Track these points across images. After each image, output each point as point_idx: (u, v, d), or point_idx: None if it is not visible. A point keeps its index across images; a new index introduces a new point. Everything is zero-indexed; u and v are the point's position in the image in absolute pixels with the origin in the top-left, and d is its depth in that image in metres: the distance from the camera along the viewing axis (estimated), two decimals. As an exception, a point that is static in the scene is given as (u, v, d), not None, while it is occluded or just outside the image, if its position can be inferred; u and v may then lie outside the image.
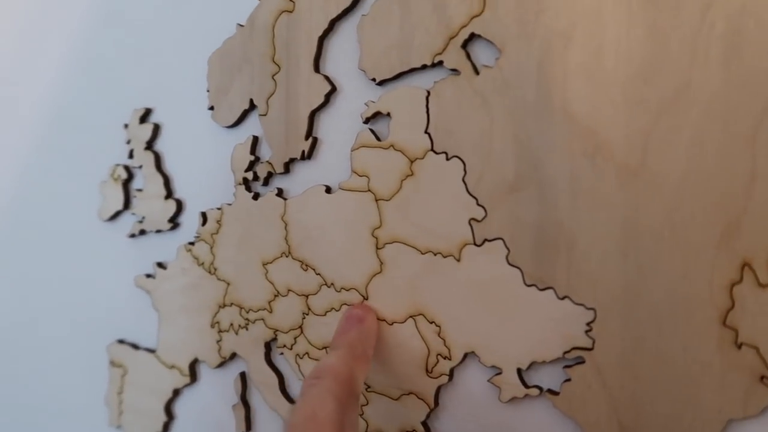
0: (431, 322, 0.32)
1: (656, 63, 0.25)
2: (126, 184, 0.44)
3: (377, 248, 0.33)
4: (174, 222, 0.42)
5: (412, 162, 0.32)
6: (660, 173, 0.25)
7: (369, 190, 0.33)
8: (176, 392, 0.42)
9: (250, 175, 0.38)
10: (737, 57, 0.24)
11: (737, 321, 0.24)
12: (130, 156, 0.44)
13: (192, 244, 0.41)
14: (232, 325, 0.39)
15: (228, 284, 0.39)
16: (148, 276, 0.43)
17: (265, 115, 0.37)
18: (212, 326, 0.40)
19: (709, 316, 0.25)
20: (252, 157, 0.38)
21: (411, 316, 0.32)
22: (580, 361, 0.28)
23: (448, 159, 0.31)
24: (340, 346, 0.31)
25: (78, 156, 0.47)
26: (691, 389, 0.25)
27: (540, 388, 0.29)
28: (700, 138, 0.25)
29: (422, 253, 0.32)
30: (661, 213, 0.26)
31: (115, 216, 0.45)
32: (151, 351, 0.44)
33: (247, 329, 0.38)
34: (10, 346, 0.52)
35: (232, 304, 0.39)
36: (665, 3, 0.25)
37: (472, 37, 0.30)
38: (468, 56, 0.30)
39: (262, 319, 0.38)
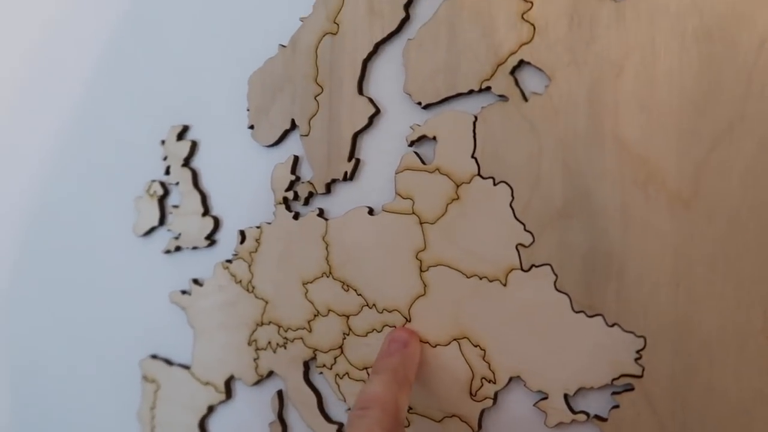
0: (476, 346, 0.32)
1: (710, 94, 0.26)
2: (162, 200, 0.45)
3: (421, 270, 0.33)
4: (211, 239, 0.42)
5: (458, 186, 0.32)
6: (713, 204, 0.26)
7: (413, 213, 0.33)
8: (211, 409, 0.42)
9: (290, 195, 0.38)
10: (794, 91, 0.24)
11: (792, 352, 0.24)
12: (167, 172, 0.44)
13: (229, 261, 0.41)
14: (270, 343, 0.39)
15: (266, 302, 0.39)
16: (184, 292, 0.44)
17: (306, 135, 0.37)
18: (249, 344, 0.40)
19: (762, 347, 0.25)
20: (293, 177, 0.38)
21: (455, 339, 0.32)
22: (629, 388, 0.28)
23: (495, 184, 0.31)
24: (383, 370, 0.31)
25: (114, 171, 0.48)
26: (744, 419, 0.25)
27: (587, 414, 0.29)
28: (754, 170, 0.25)
29: (467, 277, 0.32)
30: (714, 243, 0.26)
31: (150, 231, 0.46)
32: (185, 367, 0.44)
33: (285, 348, 0.39)
34: (44, 359, 0.53)
35: (270, 322, 0.39)
36: (720, 36, 0.25)
37: (521, 63, 0.30)
38: (516, 82, 0.30)
39: (301, 338, 0.38)
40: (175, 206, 0.44)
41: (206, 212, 0.42)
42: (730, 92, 0.25)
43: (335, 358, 0.37)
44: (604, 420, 0.28)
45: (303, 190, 0.38)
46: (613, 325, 0.28)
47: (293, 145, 0.39)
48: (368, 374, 0.35)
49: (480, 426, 0.32)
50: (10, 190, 0.54)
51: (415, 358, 0.32)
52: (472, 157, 0.31)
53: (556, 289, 0.29)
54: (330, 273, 0.36)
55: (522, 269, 0.30)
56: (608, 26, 0.28)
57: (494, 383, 0.31)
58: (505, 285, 0.31)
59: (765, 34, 0.24)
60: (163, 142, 0.44)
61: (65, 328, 0.51)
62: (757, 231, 0.25)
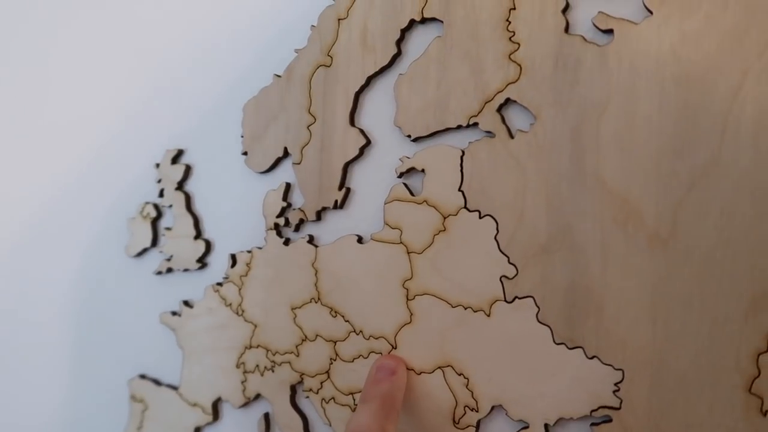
0: (459, 374, 0.33)
1: (687, 138, 0.27)
2: (155, 222, 0.45)
3: (407, 299, 0.34)
4: (202, 262, 0.43)
5: (445, 218, 0.33)
6: (690, 243, 0.27)
7: (401, 243, 0.34)
8: (197, 430, 0.43)
9: (281, 221, 0.39)
10: (766, 137, 0.25)
11: (763, 389, 0.25)
12: (161, 195, 0.45)
13: (220, 284, 0.42)
14: (257, 366, 0.40)
15: (255, 326, 0.40)
16: (174, 314, 0.44)
17: (299, 163, 0.38)
18: (237, 366, 0.41)
19: (735, 384, 0.26)
20: (284, 204, 0.39)
21: (439, 367, 0.33)
22: (607, 420, 0.29)
23: (481, 217, 0.32)
24: (371, 398, 0.31)
25: (108, 192, 0.48)
26: (718, 453, 0.26)
27: (567, 445, 0.30)
28: (729, 211, 0.26)
29: (453, 307, 0.33)
30: (691, 282, 0.27)
31: (143, 253, 0.46)
32: (173, 388, 0.44)
33: (273, 371, 0.39)
34: (33, 377, 0.53)
35: (258, 345, 0.40)
36: (697, 83, 0.27)
37: (508, 101, 0.31)
38: (503, 120, 0.31)
39: (289, 362, 0.38)
40: (168, 228, 0.44)
41: (198, 235, 0.43)
42: (707, 136, 0.26)
43: (322, 383, 0.37)
44: (583, 451, 0.29)
45: (294, 217, 0.38)
46: (592, 358, 0.29)
47: (285, 173, 0.39)
48: (354, 399, 0.36)
49: (463, 454, 0.33)
50: (3, 210, 0.55)
51: (402, 386, 0.33)
52: (459, 190, 0.32)
53: (539, 321, 0.30)
54: (318, 299, 0.37)
55: (506, 300, 0.31)
56: (591, 69, 0.29)
57: (477, 411, 0.32)
58: (488, 315, 0.32)
59: (739, 83, 0.26)
60: (157, 165, 0.45)
61: (55, 345, 0.51)
62: (731, 270, 0.26)
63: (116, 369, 0.47)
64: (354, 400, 0.36)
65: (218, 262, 0.43)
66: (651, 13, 0.28)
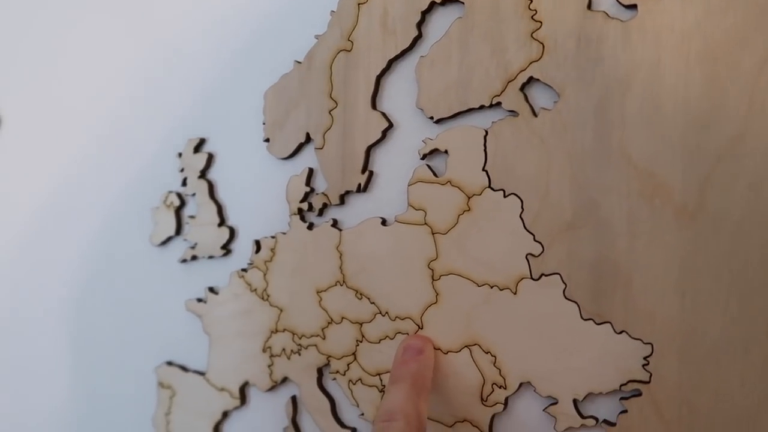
0: (486, 352, 0.33)
1: (713, 112, 0.27)
2: (178, 210, 0.46)
3: (433, 279, 0.34)
4: (226, 249, 0.43)
5: (469, 198, 0.33)
6: (718, 216, 0.27)
7: (425, 224, 0.34)
8: (225, 414, 0.43)
9: (305, 206, 0.39)
10: (794, 108, 0.25)
11: (794, 359, 0.25)
12: (184, 184, 0.45)
13: (245, 270, 0.42)
14: (284, 350, 0.40)
15: (281, 310, 0.40)
16: (199, 300, 0.45)
17: (321, 148, 0.38)
18: (264, 351, 0.41)
19: (767, 353, 0.26)
20: (307, 188, 0.39)
21: (466, 346, 0.33)
22: (637, 394, 0.29)
23: (505, 196, 0.32)
24: (401, 379, 0.32)
25: (132, 182, 0.49)
26: (749, 425, 0.26)
27: (596, 419, 0.30)
28: (757, 183, 0.26)
29: (478, 286, 0.33)
30: (719, 254, 0.27)
31: (167, 241, 0.47)
32: (200, 373, 0.45)
33: (299, 354, 0.40)
34: (61, 365, 0.54)
35: (284, 329, 0.40)
36: (723, 57, 0.26)
37: (531, 80, 0.31)
38: (526, 98, 0.32)
39: (315, 345, 0.39)
40: (192, 217, 0.45)
41: (222, 222, 0.43)
42: (733, 110, 0.26)
43: (348, 365, 0.38)
44: (612, 425, 0.29)
45: (317, 202, 0.39)
46: (621, 333, 0.29)
47: (308, 158, 0.40)
48: (381, 380, 0.36)
49: (491, 430, 0.33)
50: (28, 200, 0.56)
51: (430, 364, 0.33)
52: (483, 170, 0.33)
53: (566, 298, 0.30)
54: (343, 282, 0.37)
55: (532, 278, 0.31)
56: (615, 45, 0.29)
57: (505, 389, 0.32)
58: (515, 293, 0.32)
59: (765, 57, 0.26)
60: (180, 154, 0.45)
61: (83, 335, 0.52)
62: (760, 242, 0.26)
63: (143, 356, 0.48)
64: (381, 380, 0.36)
65: (242, 249, 0.43)
66: (675, -13, 0.28)
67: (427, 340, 0.34)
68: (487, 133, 0.32)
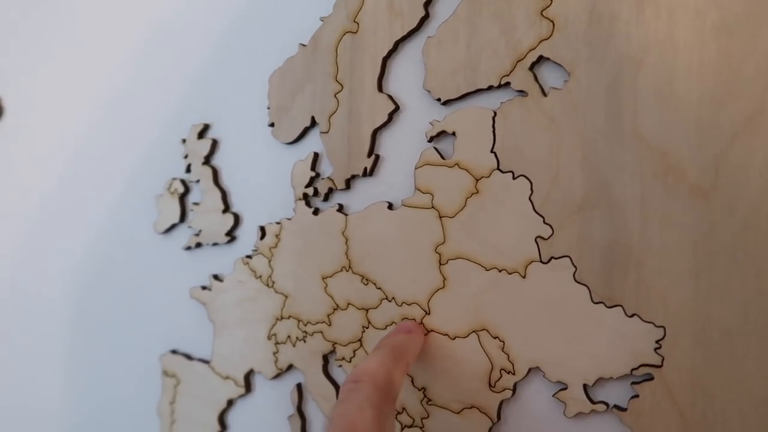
0: (495, 337, 0.32)
1: (729, 88, 0.26)
2: (182, 197, 0.46)
3: (440, 264, 0.34)
4: (231, 235, 0.43)
5: (477, 180, 0.32)
6: (733, 195, 0.26)
7: (433, 207, 0.34)
8: (230, 402, 0.43)
9: (310, 191, 0.39)
10: (813, 83, 0.24)
11: (812, 341, 0.25)
12: (188, 170, 0.45)
13: (249, 257, 0.42)
14: (289, 337, 0.40)
15: (286, 297, 0.40)
16: (204, 288, 0.44)
17: (326, 132, 0.38)
18: (269, 338, 0.41)
19: (783, 336, 0.25)
20: (312, 173, 0.39)
21: (474, 331, 0.33)
22: (649, 378, 0.28)
23: (514, 178, 0.31)
24: (382, 346, 0.32)
25: (135, 169, 0.48)
26: (765, 408, 0.26)
27: (606, 404, 0.29)
28: (773, 161, 0.25)
29: (486, 270, 0.32)
30: (734, 234, 0.26)
31: (171, 229, 0.46)
32: (205, 362, 0.44)
33: (305, 342, 0.39)
34: (65, 353, 0.53)
35: (290, 316, 0.40)
36: (739, 31, 0.26)
37: (540, 59, 0.31)
38: (536, 78, 0.31)
39: (321, 332, 0.38)
40: (196, 203, 0.44)
41: (227, 209, 0.43)
42: (749, 86, 0.26)
43: (354, 351, 0.37)
44: (623, 410, 0.29)
45: (323, 186, 0.38)
46: (632, 316, 0.28)
47: (313, 143, 0.39)
48: (388, 367, 0.36)
49: (499, 417, 0.32)
50: (33, 189, 0.55)
51: (415, 344, 0.33)
52: (492, 151, 0.32)
53: (576, 281, 0.30)
54: (349, 267, 0.37)
55: (541, 261, 0.31)
56: (628, 22, 0.28)
57: (513, 374, 0.32)
58: (524, 277, 0.31)
59: (784, 27, 0.25)
60: (184, 140, 0.45)
61: (87, 323, 0.52)
62: (776, 222, 0.25)
63: (147, 345, 0.48)
64: (388, 367, 0.36)
65: (247, 235, 0.43)
66: (689, -39, 0.27)
67: (420, 326, 0.34)
68: (495, 114, 0.32)
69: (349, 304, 0.37)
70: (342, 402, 0.27)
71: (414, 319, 0.35)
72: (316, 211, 0.38)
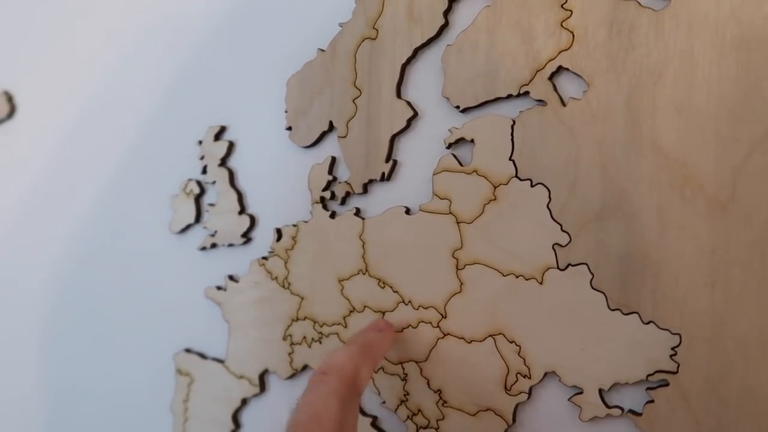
0: (511, 342, 0.33)
1: (748, 101, 0.27)
2: (198, 198, 0.46)
3: (457, 269, 0.34)
4: (247, 237, 0.43)
5: (495, 187, 0.33)
6: (750, 207, 0.27)
7: (450, 213, 0.34)
8: (244, 401, 0.44)
9: (327, 194, 0.39)
10: (831, 99, 0.25)
11: (826, 351, 0.25)
12: (204, 171, 0.45)
13: (265, 258, 0.42)
14: (305, 338, 0.40)
15: (302, 299, 0.40)
16: (219, 288, 0.45)
17: (344, 137, 0.38)
18: (284, 339, 0.41)
19: (797, 345, 0.26)
20: (330, 177, 0.39)
21: (490, 335, 0.33)
22: (664, 384, 0.29)
23: (532, 186, 0.32)
24: (352, 342, 0.33)
25: (152, 169, 0.49)
26: (778, 415, 0.26)
27: (621, 409, 0.30)
28: (790, 174, 0.26)
29: (504, 275, 0.33)
30: (751, 245, 0.27)
31: (186, 229, 0.47)
32: (219, 361, 0.45)
33: (320, 343, 0.40)
34: (80, 351, 0.54)
35: (305, 318, 0.40)
36: (758, 45, 0.26)
37: (560, 69, 0.31)
38: (554, 88, 0.31)
39: (337, 334, 0.39)
40: (212, 204, 0.45)
41: (242, 210, 0.44)
42: None
43: (370, 354, 0.38)
44: (638, 415, 0.29)
45: (340, 190, 0.39)
46: (648, 323, 0.29)
47: (330, 147, 0.40)
48: (403, 368, 0.37)
49: (514, 420, 0.33)
50: (47, 188, 0.56)
51: (385, 342, 0.35)
52: (510, 159, 0.32)
53: (593, 288, 0.30)
54: (366, 270, 0.38)
55: (558, 268, 0.31)
56: (647, 34, 0.29)
57: (529, 378, 0.32)
58: (541, 283, 0.32)
59: (804, 44, 0.25)
60: (200, 142, 0.45)
61: (102, 321, 0.52)
62: (792, 233, 0.26)
63: (162, 343, 0.48)
64: (403, 369, 0.36)
65: (262, 237, 0.43)
66: (709, -25, 0.27)
67: (392, 325, 0.36)
68: (514, 122, 0.32)
69: (365, 306, 0.38)
70: (308, 392, 0.29)
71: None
72: (333, 215, 0.39)
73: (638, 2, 0.29)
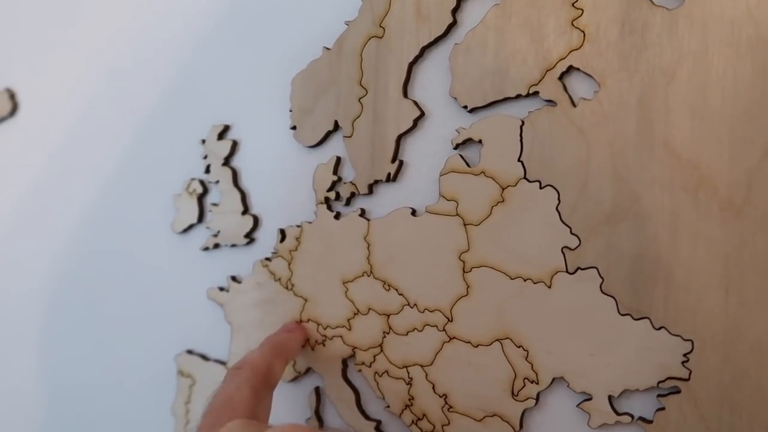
0: (518, 346, 0.32)
1: (764, 103, 0.26)
2: (201, 198, 0.45)
3: (464, 271, 0.34)
4: (250, 237, 0.43)
5: (503, 189, 0.32)
6: (765, 210, 0.26)
7: (457, 215, 0.34)
8: (246, 404, 0.43)
9: (332, 195, 0.39)
10: None
11: (843, 358, 0.25)
12: (207, 171, 0.45)
13: (269, 259, 0.42)
14: (308, 340, 0.40)
15: (306, 300, 0.40)
16: (221, 289, 0.44)
17: (350, 136, 0.38)
18: (287, 341, 0.41)
19: (813, 353, 0.25)
20: (334, 177, 0.39)
21: (497, 340, 0.33)
22: (676, 391, 0.28)
23: (541, 187, 0.31)
24: (265, 342, 0.36)
25: (154, 168, 0.48)
26: (793, 424, 0.26)
27: (631, 416, 0.29)
28: (807, 177, 0.25)
29: (511, 278, 0.32)
30: (766, 249, 0.26)
31: (189, 229, 0.46)
32: (222, 363, 0.44)
33: (324, 345, 0.39)
34: (81, 351, 0.54)
35: (309, 320, 0.40)
36: (775, 45, 0.26)
37: (570, 69, 0.31)
38: (565, 88, 0.31)
39: (341, 336, 0.38)
40: (215, 204, 0.44)
41: (246, 210, 0.43)
42: (784, 101, 0.26)
43: (375, 356, 0.37)
44: (649, 422, 0.29)
45: (345, 191, 0.38)
46: (660, 329, 0.28)
47: (335, 147, 0.39)
48: (408, 372, 0.36)
49: (521, 426, 0.32)
50: (49, 186, 0.55)
51: (296, 342, 0.38)
52: (519, 160, 0.32)
53: (602, 292, 0.30)
54: (371, 272, 0.37)
55: (567, 272, 0.31)
56: (660, 33, 0.28)
57: (537, 384, 0.32)
58: (549, 287, 0.31)
59: (823, 44, 0.25)
60: (203, 141, 0.45)
61: (103, 321, 0.52)
62: (809, 238, 0.25)
63: (163, 345, 0.48)
64: (408, 373, 0.36)
65: (266, 238, 0.43)
66: (725, -26, 0.27)
67: (302, 327, 0.39)
68: (523, 122, 0.32)
69: (370, 309, 0.37)
70: (224, 383, 0.32)
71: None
72: (337, 216, 0.38)
73: (651, 1, 0.28)
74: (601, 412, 0.30)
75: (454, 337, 0.34)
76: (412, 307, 0.36)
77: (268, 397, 0.33)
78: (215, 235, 0.44)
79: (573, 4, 0.30)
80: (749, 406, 0.26)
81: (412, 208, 0.36)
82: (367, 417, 0.38)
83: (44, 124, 0.56)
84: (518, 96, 0.32)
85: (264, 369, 0.33)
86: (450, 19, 0.34)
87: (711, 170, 0.27)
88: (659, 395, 0.29)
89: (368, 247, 0.37)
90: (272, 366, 0.34)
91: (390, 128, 0.36)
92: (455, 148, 0.34)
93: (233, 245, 0.44)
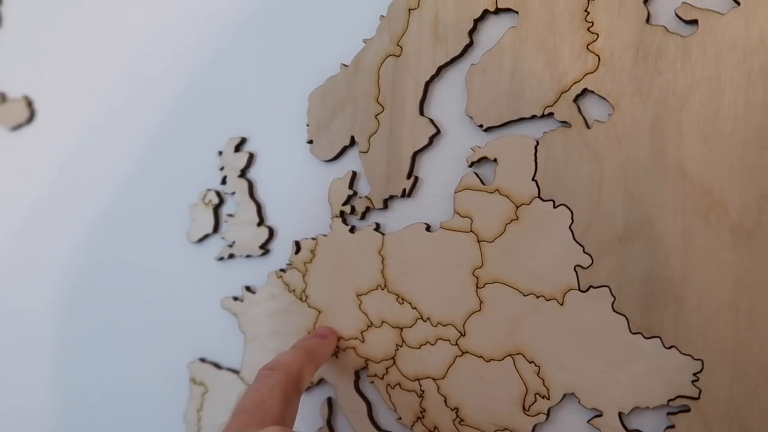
0: (530, 362, 0.33)
1: (775, 129, 0.27)
2: (216, 208, 0.46)
3: (477, 287, 0.34)
4: (265, 248, 0.43)
5: (517, 207, 0.33)
6: (776, 235, 0.27)
7: (471, 231, 0.34)
8: (258, 413, 0.44)
9: (347, 209, 0.39)
10: None
11: None
12: (223, 182, 0.45)
13: (283, 271, 0.42)
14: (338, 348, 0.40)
15: (319, 312, 0.40)
16: (236, 299, 0.45)
17: (366, 152, 0.38)
18: (300, 351, 0.41)
19: (821, 375, 0.26)
20: (350, 192, 0.39)
21: (509, 355, 0.34)
22: (685, 410, 0.29)
23: (555, 207, 0.32)
24: (298, 346, 0.37)
25: (170, 178, 0.49)
26: (801, 444, 0.26)
27: (641, 433, 0.30)
28: (817, 203, 0.26)
29: (524, 295, 0.33)
30: (776, 273, 0.27)
31: (204, 239, 0.47)
32: (234, 371, 0.45)
33: (337, 356, 0.40)
34: (95, 359, 0.54)
35: (322, 331, 0.40)
36: (787, 74, 0.26)
37: (585, 92, 0.31)
38: (579, 110, 0.32)
39: (354, 348, 0.39)
40: (231, 215, 0.45)
41: (261, 222, 0.44)
42: (795, 128, 0.26)
43: (387, 369, 0.38)
44: (658, 439, 0.29)
45: (360, 205, 0.39)
46: (670, 348, 0.29)
47: (351, 162, 0.40)
48: (420, 385, 0.37)
49: (532, 440, 0.33)
50: (66, 195, 0.56)
51: (328, 348, 0.38)
52: (533, 179, 0.33)
53: (614, 311, 0.30)
54: (385, 286, 0.38)
55: (580, 290, 0.31)
56: (674, 60, 0.29)
57: (548, 399, 0.32)
58: (561, 304, 0.32)
59: (834, 75, 0.25)
60: (220, 152, 0.46)
61: (117, 329, 0.52)
62: (818, 262, 0.26)
63: (176, 352, 0.48)
64: (420, 385, 0.37)
65: (281, 249, 0.43)
66: (738, 3, 0.28)
67: (334, 332, 0.39)
68: (537, 143, 0.32)
69: (383, 322, 0.38)
70: (256, 383, 0.32)
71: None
72: (352, 229, 0.39)
73: (665, 27, 0.29)
74: (611, 428, 0.31)
75: (467, 352, 0.35)
76: (425, 321, 0.36)
77: (296, 402, 0.33)
78: (230, 246, 0.45)
79: (588, 29, 0.31)
80: (758, 426, 0.27)
81: (426, 224, 0.36)
82: (378, 428, 0.39)
83: (61, 132, 0.57)
84: (533, 116, 0.33)
85: (295, 373, 0.33)
86: (467, 40, 0.35)
87: (722, 194, 0.28)
88: (669, 413, 0.29)
89: (382, 261, 0.38)
90: (303, 371, 0.34)
91: (406, 145, 0.37)
92: (470, 166, 0.35)
93: (248, 256, 0.44)
